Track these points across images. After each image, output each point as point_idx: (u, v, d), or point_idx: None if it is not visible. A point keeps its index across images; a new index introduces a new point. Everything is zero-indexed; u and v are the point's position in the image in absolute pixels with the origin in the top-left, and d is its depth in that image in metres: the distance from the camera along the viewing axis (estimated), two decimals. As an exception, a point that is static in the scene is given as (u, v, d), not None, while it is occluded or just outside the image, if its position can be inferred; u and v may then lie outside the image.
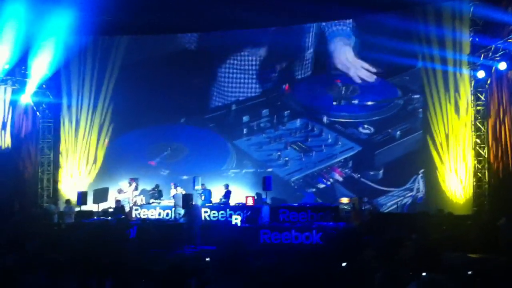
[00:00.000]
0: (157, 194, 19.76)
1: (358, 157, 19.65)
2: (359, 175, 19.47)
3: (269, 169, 20.35)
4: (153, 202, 19.18)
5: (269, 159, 20.67)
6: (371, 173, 19.27)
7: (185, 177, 20.67)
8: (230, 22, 19.98)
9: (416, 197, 18.58)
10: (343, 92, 19.91)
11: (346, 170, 19.68)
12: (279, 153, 20.46)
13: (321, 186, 19.84)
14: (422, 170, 18.56)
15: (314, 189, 19.93)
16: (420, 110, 18.85)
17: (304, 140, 20.33)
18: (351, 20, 19.76)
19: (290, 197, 19.83)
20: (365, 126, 19.64)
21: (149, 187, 20.45)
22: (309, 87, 20.67)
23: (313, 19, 19.56)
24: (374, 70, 19.28)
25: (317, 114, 20.37)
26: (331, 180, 19.75)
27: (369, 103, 19.70)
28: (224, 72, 21.51)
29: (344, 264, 9.07)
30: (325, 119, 20.18)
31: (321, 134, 20.24)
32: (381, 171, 19.17)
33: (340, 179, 19.69)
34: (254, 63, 21.24)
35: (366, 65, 19.47)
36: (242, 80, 21.29)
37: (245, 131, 21.08)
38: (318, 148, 20.14)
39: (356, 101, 19.81)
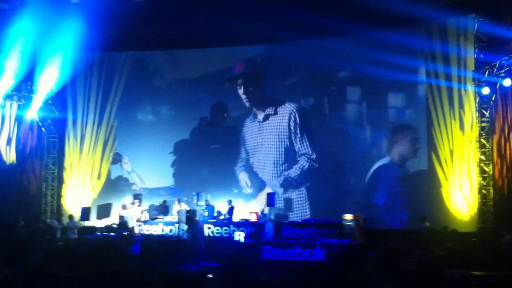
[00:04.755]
0: (164, 209, 19.69)
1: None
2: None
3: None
4: (157, 218, 19.10)
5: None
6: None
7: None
8: (234, 38, 20.14)
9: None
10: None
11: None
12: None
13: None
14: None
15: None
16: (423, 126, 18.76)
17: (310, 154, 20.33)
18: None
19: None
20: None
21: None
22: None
23: (316, 34, 19.57)
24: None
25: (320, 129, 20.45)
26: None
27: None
28: (230, 88, 21.54)
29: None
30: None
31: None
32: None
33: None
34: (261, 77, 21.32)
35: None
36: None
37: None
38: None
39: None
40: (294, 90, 20.91)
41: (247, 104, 21.22)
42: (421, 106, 18.74)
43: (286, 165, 20.41)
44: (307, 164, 20.13)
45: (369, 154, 19.55)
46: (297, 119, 20.38)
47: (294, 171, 20.24)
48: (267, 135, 20.81)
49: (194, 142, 21.78)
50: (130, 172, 21.89)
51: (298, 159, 20.28)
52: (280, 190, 20.10)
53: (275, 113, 20.76)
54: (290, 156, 20.39)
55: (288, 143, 20.44)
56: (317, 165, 20.03)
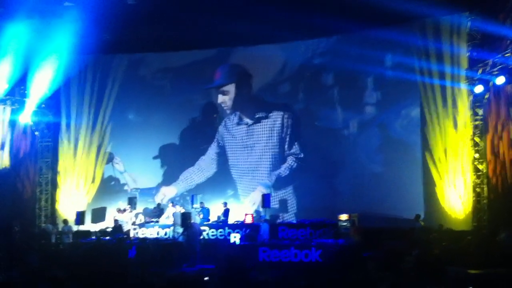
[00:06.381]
0: (159, 212, 19.68)
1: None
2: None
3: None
4: (152, 221, 19.08)
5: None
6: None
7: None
8: (229, 39, 20.14)
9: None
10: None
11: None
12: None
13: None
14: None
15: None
16: (417, 125, 18.77)
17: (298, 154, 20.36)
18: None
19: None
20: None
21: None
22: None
23: (309, 34, 19.59)
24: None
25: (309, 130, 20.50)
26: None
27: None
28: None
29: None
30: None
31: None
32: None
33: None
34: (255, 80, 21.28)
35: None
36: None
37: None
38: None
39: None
40: (283, 92, 20.96)
41: (228, 111, 21.31)
42: (414, 105, 18.76)
43: (280, 165, 20.45)
44: (295, 163, 20.21)
45: (358, 155, 19.59)
46: (289, 120, 20.47)
47: (284, 171, 20.27)
48: (259, 137, 20.83)
49: (185, 142, 21.81)
50: (122, 172, 21.86)
51: (286, 158, 20.37)
52: (271, 190, 20.12)
53: (267, 115, 20.78)
54: (282, 156, 20.46)
55: (280, 144, 20.50)
56: (304, 165, 20.12)
